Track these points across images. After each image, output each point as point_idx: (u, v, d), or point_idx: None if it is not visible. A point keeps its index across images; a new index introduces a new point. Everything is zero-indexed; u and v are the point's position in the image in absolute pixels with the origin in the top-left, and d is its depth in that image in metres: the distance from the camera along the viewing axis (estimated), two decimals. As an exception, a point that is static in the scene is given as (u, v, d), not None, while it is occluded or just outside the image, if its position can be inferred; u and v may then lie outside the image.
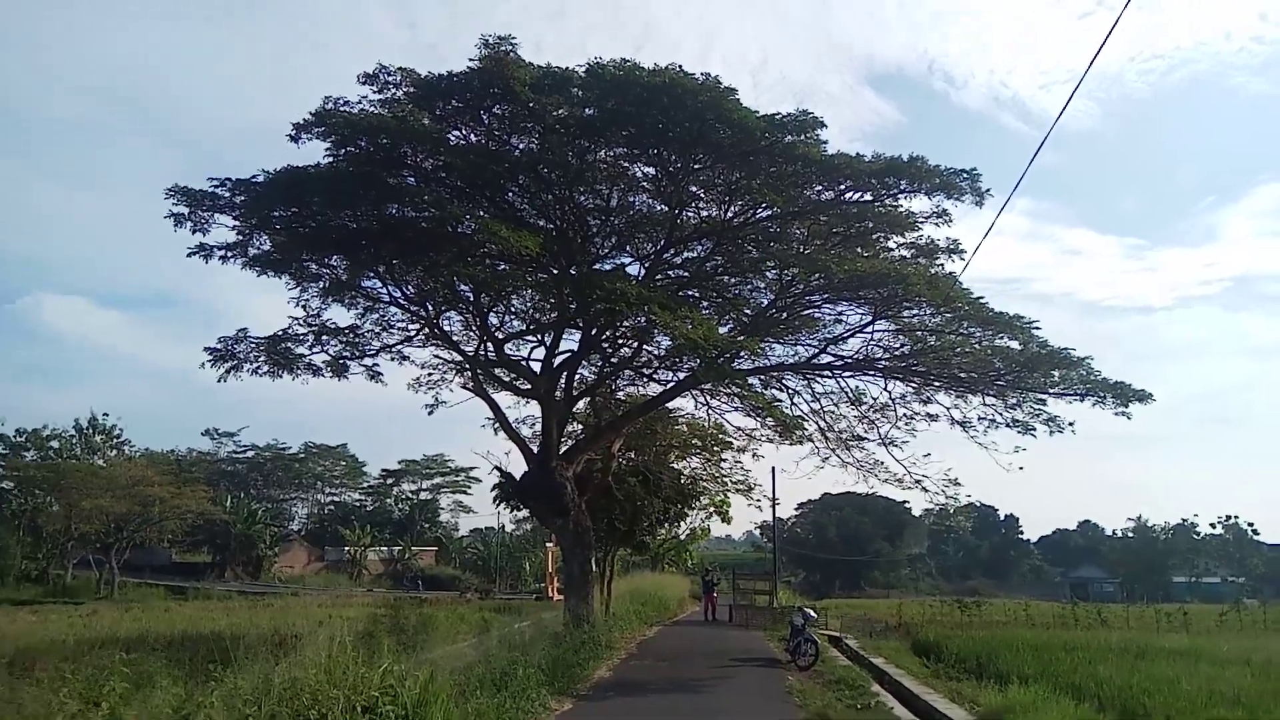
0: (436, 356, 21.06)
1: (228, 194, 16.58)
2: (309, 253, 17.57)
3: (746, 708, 12.16)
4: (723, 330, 17.85)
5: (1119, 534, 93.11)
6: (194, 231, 16.82)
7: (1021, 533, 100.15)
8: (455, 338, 20.50)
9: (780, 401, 19.63)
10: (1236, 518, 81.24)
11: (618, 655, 17.63)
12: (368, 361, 19.85)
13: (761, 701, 12.65)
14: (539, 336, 20.21)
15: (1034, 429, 17.56)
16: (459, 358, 20.49)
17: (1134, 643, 17.53)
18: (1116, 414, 17.10)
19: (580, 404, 23.78)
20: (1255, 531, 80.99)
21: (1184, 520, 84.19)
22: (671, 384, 20.75)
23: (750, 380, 19.13)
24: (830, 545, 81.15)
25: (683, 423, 26.69)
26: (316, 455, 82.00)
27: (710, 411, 23.67)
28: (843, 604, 42.27)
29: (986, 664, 16.15)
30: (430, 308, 19.49)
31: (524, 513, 35.24)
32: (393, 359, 20.21)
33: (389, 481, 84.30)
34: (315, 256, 17.77)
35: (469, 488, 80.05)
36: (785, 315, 19.22)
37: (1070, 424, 17.55)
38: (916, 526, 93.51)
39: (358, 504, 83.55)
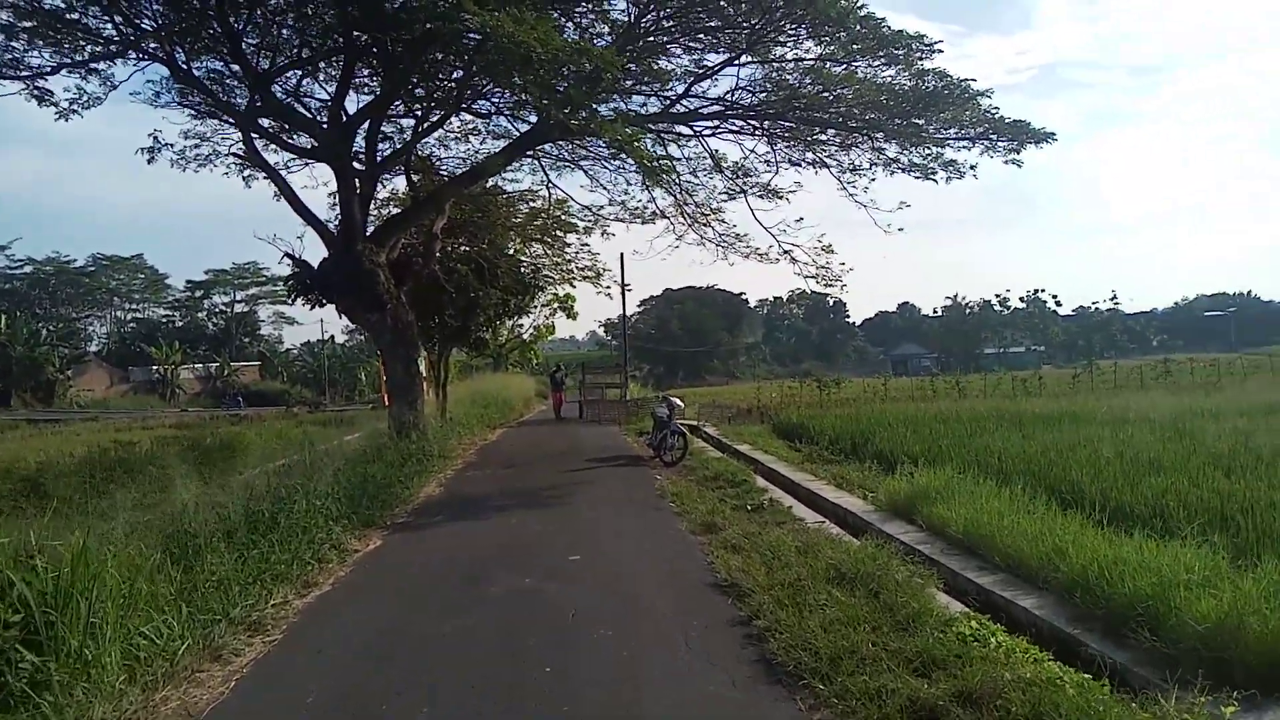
0: (184, 106, 15.67)
1: None
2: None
3: (613, 527, 9.32)
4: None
5: (936, 312, 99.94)
6: None
7: (848, 316, 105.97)
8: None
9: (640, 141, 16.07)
10: (1041, 291, 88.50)
11: (454, 465, 15.04)
12: (25, 75, 13.96)
13: (632, 510, 10.18)
14: (310, 69, 15.52)
15: (934, 171, 15.44)
16: (221, 113, 15.59)
17: (1004, 411, 16.86)
18: (1007, 161, 15.24)
19: (400, 183, 19.63)
20: (1058, 303, 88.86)
21: (996, 295, 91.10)
22: (506, 144, 16.89)
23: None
24: (673, 338, 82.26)
25: (521, 210, 23.19)
26: (108, 268, 73.81)
27: (551, 187, 20.26)
28: (690, 392, 41.85)
29: (862, 444, 14.87)
30: (181, 50, 14.22)
31: (329, 309, 30.40)
32: (76, 75, 14.45)
33: (197, 294, 77.31)
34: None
35: (289, 298, 73.76)
36: (634, 67, 15.47)
37: (973, 167, 15.67)
38: (753, 316, 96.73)
39: (164, 320, 76.63)
